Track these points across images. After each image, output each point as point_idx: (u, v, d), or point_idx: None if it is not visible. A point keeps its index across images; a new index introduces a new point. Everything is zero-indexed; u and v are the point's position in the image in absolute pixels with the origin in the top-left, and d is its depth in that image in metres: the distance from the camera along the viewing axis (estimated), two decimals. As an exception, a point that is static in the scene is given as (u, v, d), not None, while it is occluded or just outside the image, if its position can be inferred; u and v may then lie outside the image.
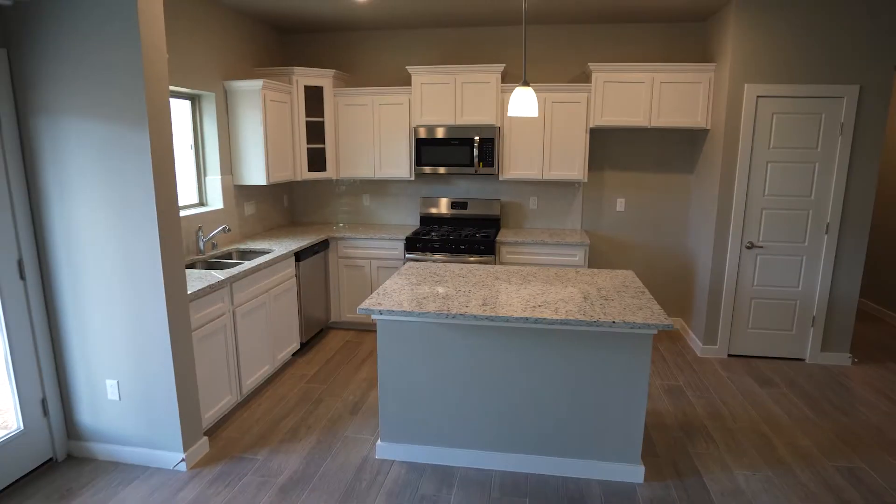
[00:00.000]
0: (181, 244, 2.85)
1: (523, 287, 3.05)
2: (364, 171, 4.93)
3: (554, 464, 2.88)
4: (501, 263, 4.59)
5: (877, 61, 3.90)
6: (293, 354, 4.40)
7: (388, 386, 2.95)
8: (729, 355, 4.45)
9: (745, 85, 4.03)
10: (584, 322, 2.52)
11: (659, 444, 3.20)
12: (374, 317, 2.77)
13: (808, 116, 4.04)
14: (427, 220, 5.13)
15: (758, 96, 4.04)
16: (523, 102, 2.54)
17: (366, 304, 2.74)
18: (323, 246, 4.68)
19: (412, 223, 5.28)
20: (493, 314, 2.58)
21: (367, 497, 2.70)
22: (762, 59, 3.99)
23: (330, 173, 4.92)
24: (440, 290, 2.99)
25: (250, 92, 4.23)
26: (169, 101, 2.75)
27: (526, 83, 2.57)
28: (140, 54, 2.53)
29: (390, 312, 2.68)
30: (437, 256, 4.59)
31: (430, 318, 2.66)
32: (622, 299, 2.83)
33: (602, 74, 4.42)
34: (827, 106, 4.01)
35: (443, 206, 5.08)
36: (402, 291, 2.95)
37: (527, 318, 2.55)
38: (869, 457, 3.07)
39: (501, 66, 4.49)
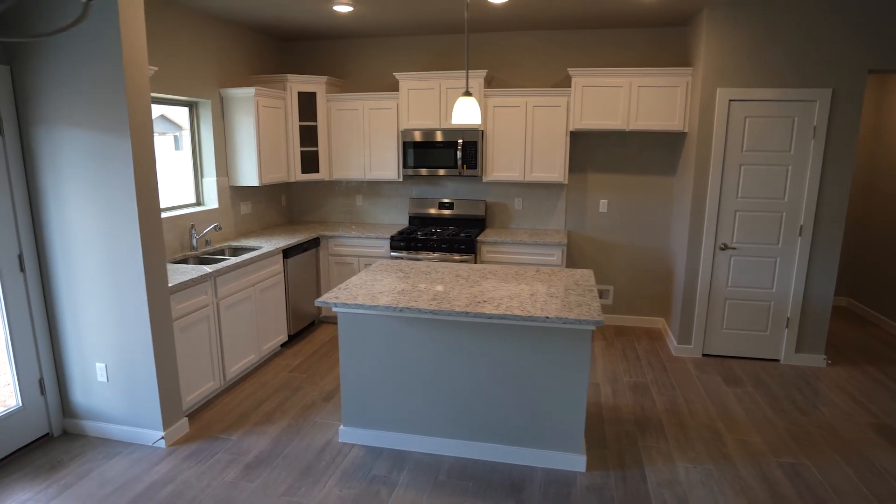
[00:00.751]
0: (162, 242, 3.13)
1: (478, 284, 3.22)
2: (355, 173, 5.17)
3: (501, 451, 3.05)
4: (482, 262, 4.76)
5: (849, 65, 3.92)
6: (282, 346, 4.67)
7: (349, 374, 3.17)
8: (704, 355, 4.52)
9: (718, 89, 4.11)
10: (521, 317, 2.68)
11: (611, 436, 3.33)
12: (334, 309, 3.00)
13: (780, 120, 4.09)
14: (415, 220, 5.34)
15: (730, 100, 4.11)
16: (465, 111, 2.73)
17: (324, 297, 2.96)
18: (314, 243, 4.94)
19: (402, 223, 5.50)
20: (437, 308, 2.77)
21: (322, 475, 2.93)
22: (734, 64, 4.06)
23: (323, 175, 5.18)
24: (399, 285, 3.19)
25: (244, 99, 4.51)
26: (150, 113, 3.03)
27: (468, 93, 2.76)
28: (122, 71, 2.81)
29: (345, 305, 2.90)
30: (420, 255, 4.79)
31: (380, 311, 2.87)
32: (567, 297, 2.98)
33: (581, 79, 4.55)
34: (799, 109, 4.05)
35: (431, 207, 5.28)
36: (364, 286, 3.17)
37: (467, 313, 2.73)
38: (815, 454, 3.15)
39: (483, 72, 4.66)
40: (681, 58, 4.73)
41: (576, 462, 2.98)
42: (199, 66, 4.31)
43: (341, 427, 3.26)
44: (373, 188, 5.53)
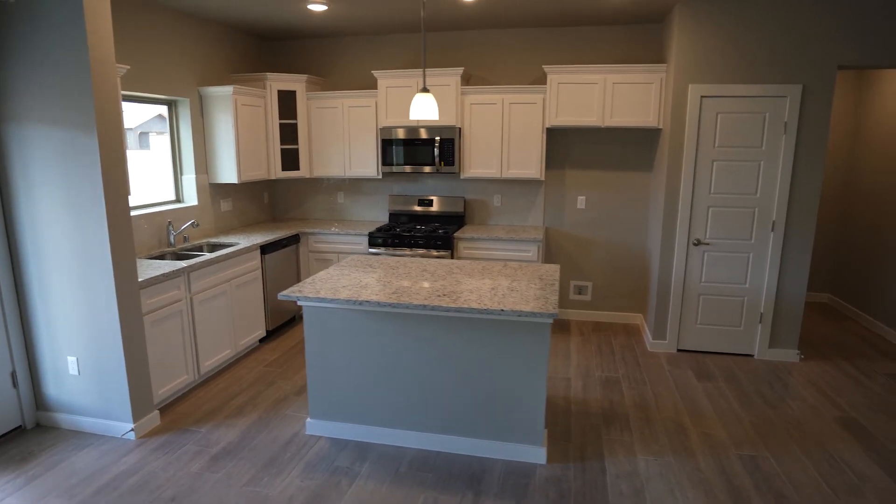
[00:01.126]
0: (131, 238, 3.18)
1: (442, 279, 3.26)
2: (335, 170, 5.22)
3: (463, 443, 3.08)
4: (459, 258, 4.79)
5: (819, 61, 3.94)
6: (260, 341, 4.72)
7: (315, 367, 3.22)
8: (678, 350, 4.54)
9: (690, 85, 4.13)
10: (477, 310, 2.72)
11: (576, 429, 3.36)
12: (299, 302, 3.05)
13: (751, 116, 4.10)
14: (396, 217, 5.38)
15: (702, 96, 4.13)
16: (423, 107, 2.76)
17: (287, 291, 3.01)
18: (294, 240, 4.99)
19: (384, 219, 5.54)
20: (396, 301, 2.81)
21: (286, 466, 2.97)
22: (705, 60, 4.08)
23: (303, 172, 5.23)
24: (364, 279, 3.23)
25: (222, 97, 4.56)
26: (119, 111, 3.08)
27: (425, 90, 2.79)
28: (89, 70, 2.86)
29: (307, 299, 2.94)
30: (399, 251, 4.83)
31: (340, 304, 2.91)
32: (528, 290, 3.02)
33: (556, 76, 4.58)
34: (770, 105, 4.07)
35: (411, 204, 5.32)
36: (329, 280, 3.21)
37: (424, 306, 2.77)
38: (777, 447, 3.17)
39: (460, 70, 4.70)
40: (656, 55, 4.75)
41: (536, 454, 3.01)
42: (177, 65, 4.36)
43: (308, 420, 3.30)
44: (354, 185, 5.57)
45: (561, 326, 5.13)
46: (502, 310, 2.69)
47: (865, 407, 3.63)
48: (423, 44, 2.80)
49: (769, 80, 4.03)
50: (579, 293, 5.25)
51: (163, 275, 3.45)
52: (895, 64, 3.89)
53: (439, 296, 2.90)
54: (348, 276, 3.31)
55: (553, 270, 3.47)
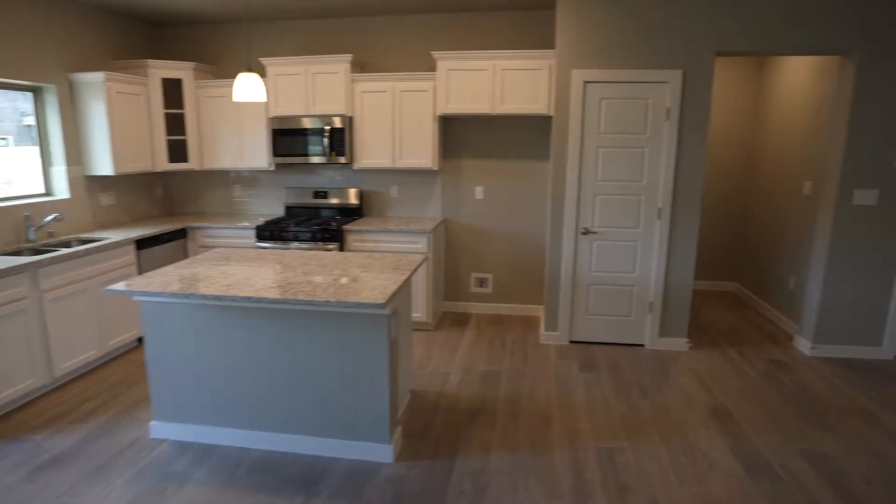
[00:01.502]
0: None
1: (291, 271, 3.10)
2: (227, 162, 5.01)
3: (310, 443, 2.93)
4: (349, 251, 4.63)
5: (698, 47, 3.89)
6: (140, 340, 4.49)
7: (156, 365, 3.03)
8: (571, 342, 4.46)
9: (573, 70, 4.04)
10: (303, 301, 2.57)
11: (437, 426, 3.24)
12: (134, 298, 2.85)
13: (634, 101, 4.04)
14: (291, 210, 5.20)
15: (585, 81, 4.05)
16: (246, 88, 2.60)
17: (116, 285, 2.81)
18: (180, 235, 4.76)
19: (280, 213, 5.35)
20: (224, 294, 2.64)
21: (113, 474, 2.78)
22: (587, 45, 4.00)
23: (193, 164, 5.00)
24: (207, 272, 3.05)
25: (94, 84, 4.31)
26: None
27: (250, 69, 2.63)
28: None
29: (137, 293, 2.75)
30: (289, 245, 4.65)
31: (168, 298, 2.73)
32: (373, 281, 2.87)
33: (446, 62, 4.45)
34: (652, 91, 4.00)
35: (306, 196, 5.14)
36: (168, 274, 3.02)
37: (250, 298, 2.61)
38: (638, 437, 3.09)
39: (349, 56, 4.54)
40: (548, 41, 4.66)
41: (383, 452, 2.87)
42: (42, 50, 4.10)
43: (153, 422, 3.11)
44: (251, 178, 5.37)
45: (460, 320, 5.02)
46: (328, 301, 2.54)
47: (738, 394, 3.59)
48: (248, 30, 2.62)
49: (650, 66, 3.96)
50: (480, 286, 5.14)
51: (-2, 271, 3.22)
52: (772, 51, 3.86)
53: (271, 287, 2.74)
54: (192, 269, 3.12)
55: (413, 260, 3.34)
